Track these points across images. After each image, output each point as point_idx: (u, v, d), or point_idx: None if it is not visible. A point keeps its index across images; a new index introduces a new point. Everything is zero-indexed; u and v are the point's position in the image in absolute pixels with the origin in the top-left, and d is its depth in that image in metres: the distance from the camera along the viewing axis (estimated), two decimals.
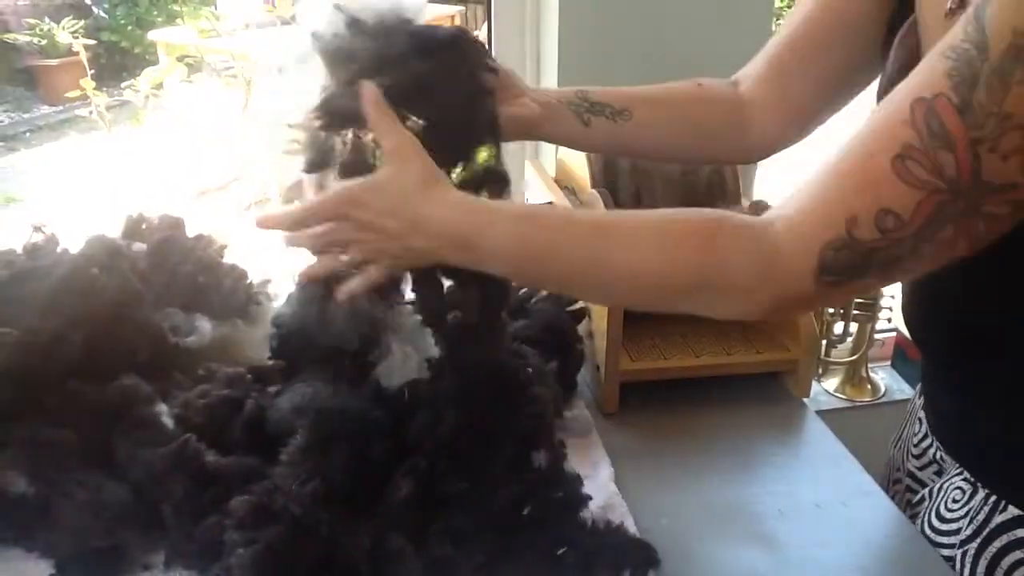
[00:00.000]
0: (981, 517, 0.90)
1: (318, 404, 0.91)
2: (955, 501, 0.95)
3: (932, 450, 1.03)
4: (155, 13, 6.14)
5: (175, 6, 2.37)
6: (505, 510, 0.86)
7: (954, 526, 0.94)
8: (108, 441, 0.90)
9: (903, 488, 1.08)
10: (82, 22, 5.25)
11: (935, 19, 0.80)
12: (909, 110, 0.63)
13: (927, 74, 0.63)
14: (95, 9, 6.51)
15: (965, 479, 0.94)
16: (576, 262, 0.75)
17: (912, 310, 0.96)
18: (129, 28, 6.43)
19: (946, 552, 0.93)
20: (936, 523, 0.96)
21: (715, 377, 1.16)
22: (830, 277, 0.67)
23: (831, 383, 1.87)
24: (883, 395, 1.86)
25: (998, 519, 0.89)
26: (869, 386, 1.86)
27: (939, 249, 0.65)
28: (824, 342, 1.78)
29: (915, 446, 1.07)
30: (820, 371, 1.86)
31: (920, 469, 1.06)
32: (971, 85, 0.60)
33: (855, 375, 1.85)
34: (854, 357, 1.82)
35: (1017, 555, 0.86)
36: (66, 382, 0.91)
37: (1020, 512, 0.87)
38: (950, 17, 0.76)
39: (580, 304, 1.14)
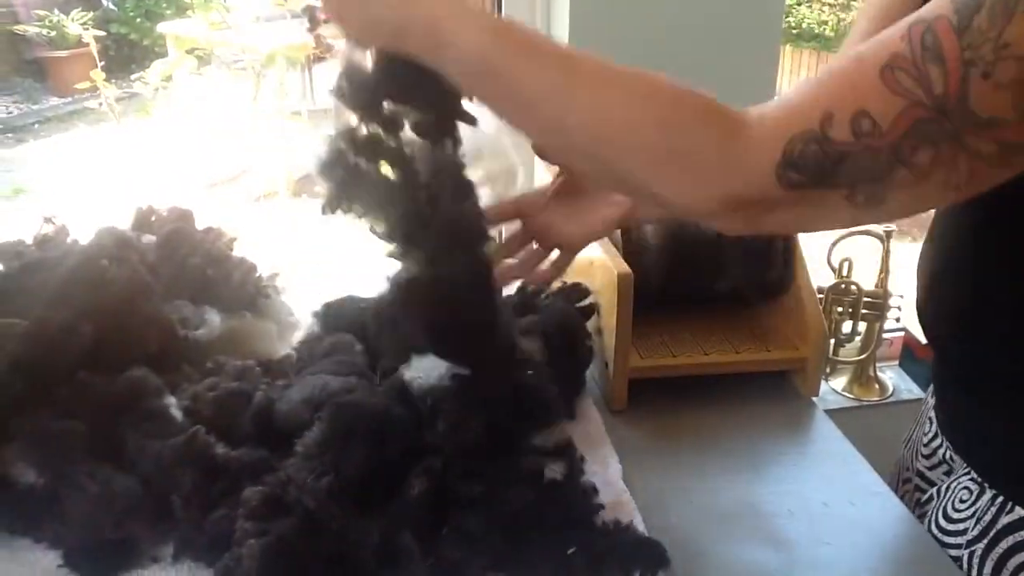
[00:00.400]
0: (988, 518, 0.90)
1: (338, 397, 0.91)
2: (962, 501, 0.95)
3: (942, 450, 1.03)
4: (164, 5, 6.15)
5: None
6: (516, 514, 0.86)
7: (961, 526, 0.94)
8: (117, 433, 0.90)
9: (912, 488, 1.08)
10: (91, 14, 5.26)
11: None
12: (907, 28, 0.61)
13: (933, 2, 0.61)
14: (104, 1, 6.52)
15: (972, 479, 0.94)
16: (539, 84, 0.69)
17: (925, 308, 0.96)
18: (138, 20, 6.44)
19: (953, 552, 0.93)
20: (943, 523, 0.96)
21: (724, 375, 1.16)
22: (793, 173, 0.63)
23: (839, 382, 1.86)
24: (891, 395, 1.85)
25: (1004, 520, 0.89)
26: (877, 385, 1.85)
27: (916, 180, 0.61)
28: (832, 341, 1.78)
29: (925, 446, 1.07)
30: (828, 370, 1.86)
31: (930, 469, 1.05)
32: (974, 9, 0.58)
33: (863, 374, 1.85)
34: (862, 356, 1.82)
35: (1023, 556, 0.86)
36: (75, 374, 0.91)
37: None
38: None
39: (589, 300, 1.14)
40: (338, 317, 1.11)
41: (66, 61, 5.34)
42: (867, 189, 0.63)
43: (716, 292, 1.17)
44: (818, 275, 1.59)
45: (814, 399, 1.17)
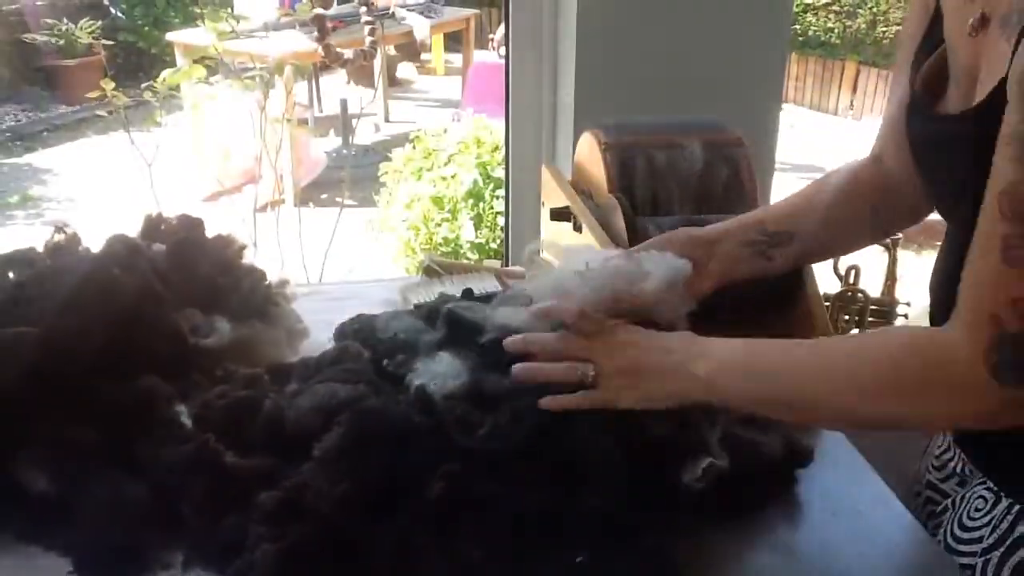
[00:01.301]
0: (1004, 526, 0.90)
1: (356, 404, 0.91)
2: (978, 510, 0.95)
3: (953, 463, 1.03)
4: (172, 14, 6.19)
5: (194, 8, 2.38)
6: (531, 517, 0.86)
7: (976, 535, 0.93)
8: (128, 441, 0.90)
9: (923, 500, 1.08)
10: (99, 22, 5.30)
11: (959, 38, 0.83)
12: (997, 205, 0.68)
13: (1000, 166, 0.69)
14: (112, 10, 6.56)
15: (988, 488, 0.94)
16: (791, 400, 0.84)
17: (938, 318, 0.96)
18: (146, 29, 6.48)
19: (967, 560, 0.93)
20: (959, 532, 0.96)
21: None
22: (1012, 375, 0.70)
23: None
24: None
25: (1022, 528, 0.89)
26: None
27: None
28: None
29: (936, 458, 1.07)
30: None
31: (942, 481, 1.06)
32: None
33: None
34: None
35: None
36: (87, 381, 0.92)
37: None
38: (973, 36, 0.80)
39: None
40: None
41: (75, 70, 5.38)
42: None
43: (725, 301, 1.17)
44: (825, 283, 1.59)
45: None
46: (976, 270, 0.71)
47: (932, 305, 0.97)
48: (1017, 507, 0.90)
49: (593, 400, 0.87)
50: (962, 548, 0.95)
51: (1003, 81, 0.73)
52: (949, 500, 1.02)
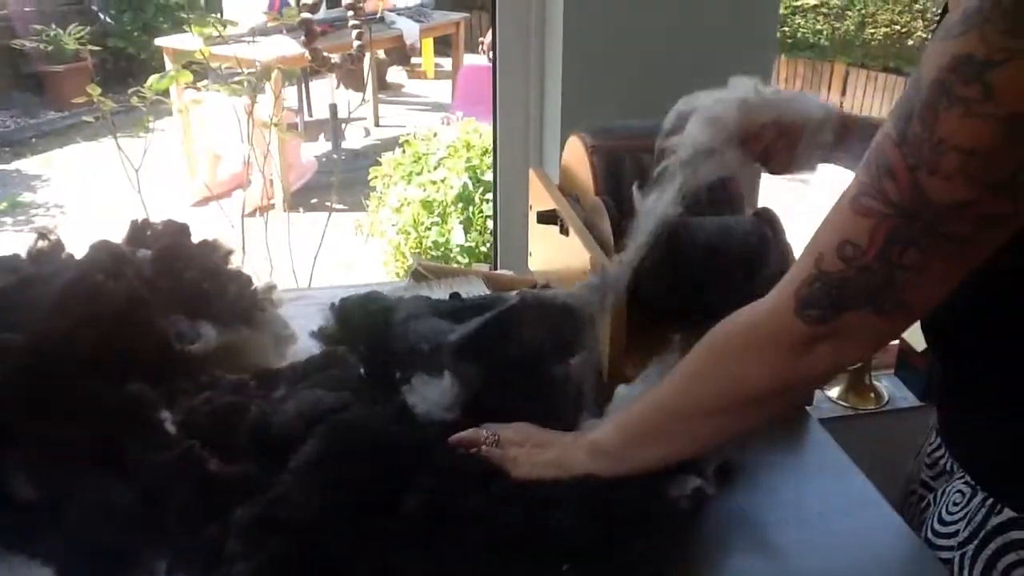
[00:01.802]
0: (979, 519, 0.92)
1: (334, 415, 0.91)
2: (955, 504, 0.96)
3: (944, 460, 1.04)
4: (161, 19, 6.18)
5: (181, 13, 2.37)
6: (514, 528, 0.86)
7: (953, 528, 0.95)
8: (113, 447, 0.90)
9: (917, 498, 1.09)
10: (88, 28, 5.28)
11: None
12: (870, 155, 0.71)
13: (888, 120, 0.71)
14: (101, 15, 6.54)
15: (966, 482, 0.95)
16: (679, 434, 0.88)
17: (927, 316, 0.96)
18: (135, 34, 6.47)
19: (945, 555, 0.94)
20: (937, 527, 0.98)
21: None
22: (813, 311, 0.74)
23: (834, 391, 1.87)
24: (887, 403, 1.86)
25: (994, 521, 0.90)
26: (872, 394, 1.86)
27: (918, 275, 0.70)
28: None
29: (928, 455, 1.08)
30: None
31: (933, 478, 1.06)
32: (907, 118, 0.68)
33: (858, 383, 1.85)
34: (857, 365, 1.82)
35: (1012, 557, 0.87)
36: (72, 388, 0.91)
37: (1016, 514, 0.88)
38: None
39: None
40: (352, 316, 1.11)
41: (63, 75, 5.36)
42: (884, 300, 0.71)
43: (710, 303, 1.17)
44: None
45: (808, 408, 1.17)
46: (827, 215, 0.74)
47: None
48: (991, 500, 0.91)
49: (491, 455, 0.92)
50: (940, 542, 0.96)
51: None
52: (932, 495, 1.03)
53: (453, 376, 0.97)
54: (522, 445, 0.92)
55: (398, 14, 5.73)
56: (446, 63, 7.05)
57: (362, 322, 1.10)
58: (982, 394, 0.93)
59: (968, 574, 0.91)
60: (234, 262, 1.21)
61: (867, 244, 0.70)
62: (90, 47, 2.65)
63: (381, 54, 6.93)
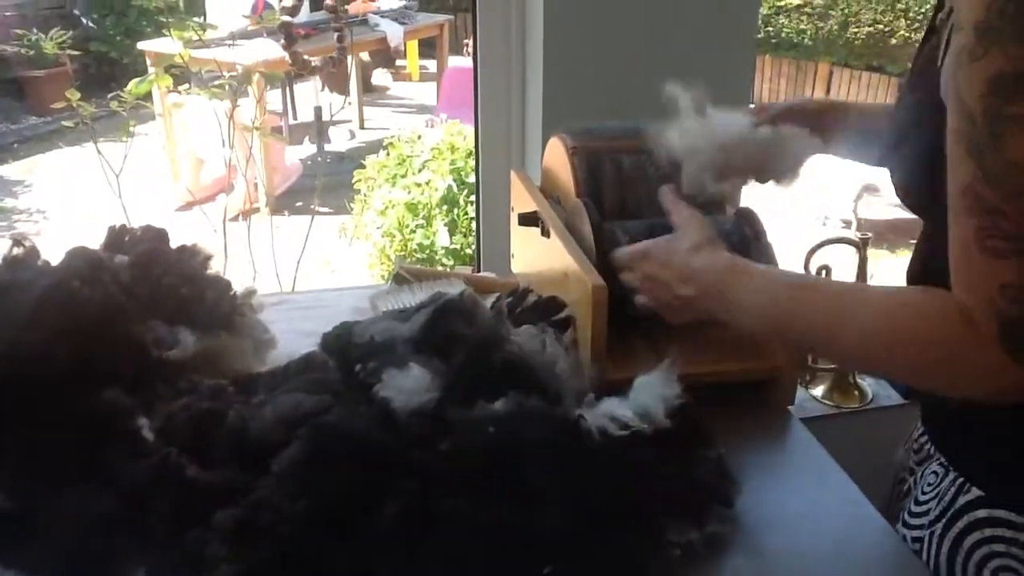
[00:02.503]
0: (948, 498, 0.93)
1: (315, 418, 0.91)
2: (929, 485, 0.98)
3: (927, 444, 1.05)
4: (144, 23, 6.15)
5: (162, 17, 2.36)
6: (496, 530, 0.85)
7: (925, 508, 0.96)
8: (91, 455, 0.89)
9: (906, 488, 1.10)
10: (70, 33, 5.25)
11: (942, 30, 0.84)
12: (963, 199, 0.71)
13: (953, 165, 0.72)
14: (84, 20, 6.51)
15: (940, 464, 0.97)
16: (814, 327, 0.88)
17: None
18: (118, 38, 6.44)
19: (917, 533, 0.96)
20: (913, 507, 0.99)
21: (701, 386, 1.15)
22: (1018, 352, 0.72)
23: (818, 390, 1.87)
24: (871, 401, 1.86)
25: (962, 500, 0.91)
26: (856, 392, 1.86)
27: None
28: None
29: (915, 441, 1.09)
30: (807, 377, 1.86)
31: (917, 464, 1.08)
32: (981, 154, 0.69)
33: (843, 381, 1.85)
34: None
35: (977, 535, 0.89)
36: (47, 396, 0.91)
37: (981, 493, 0.90)
38: (943, 23, 0.83)
39: (565, 313, 1.14)
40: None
41: (44, 80, 5.33)
42: None
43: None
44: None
45: (791, 408, 1.17)
46: (964, 265, 0.73)
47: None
48: (960, 480, 0.92)
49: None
50: (914, 522, 0.98)
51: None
52: (912, 479, 1.05)
53: (420, 364, 0.97)
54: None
55: (382, 16, 5.72)
56: (431, 65, 7.05)
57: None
58: None
59: (936, 552, 0.92)
60: (214, 267, 1.20)
61: (1020, 279, 0.70)
62: (72, 52, 2.63)
63: (365, 56, 6.92)
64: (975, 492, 0.90)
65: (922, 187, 0.87)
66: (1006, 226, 0.69)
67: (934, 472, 0.97)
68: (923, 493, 0.98)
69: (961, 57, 0.69)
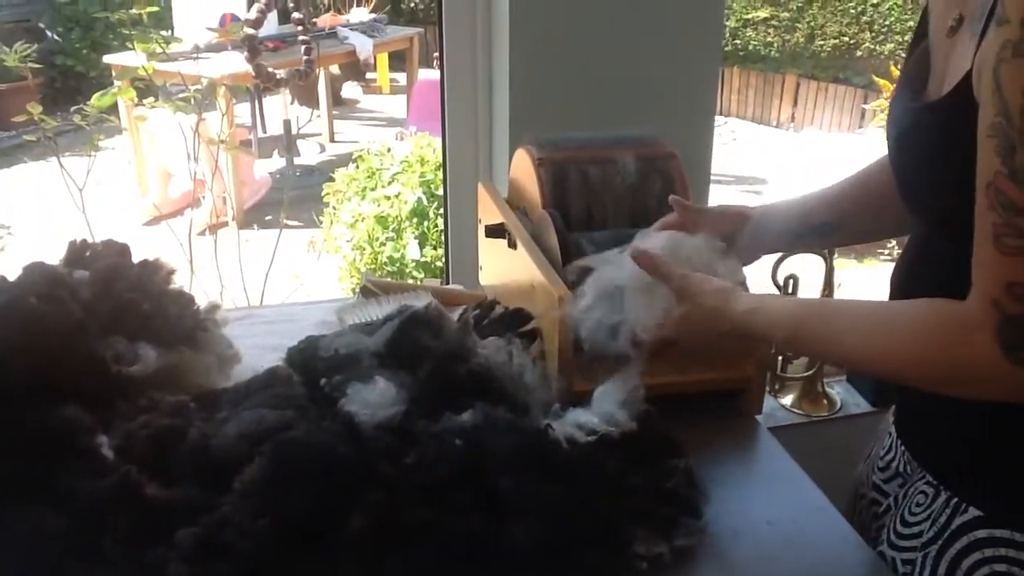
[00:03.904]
0: (943, 519, 0.92)
1: (279, 434, 0.89)
2: (918, 505, 0.96)
3: (896, 463, 1.05)
4: (111, 37, 6.10)
5: (126, 30, 2.33)
6: (466, 541, 0.85)
7: (916, 529, 0.95)
8: (47, 473, 0.87)
9: (868, 502, 1.09)
10: (35, 46, 5.19)
11: (939, 36, 0.86)
12: (985, 195, 0.71)
13: (983, 159, 0.72)
14: (49, 33, 6.44)
15: (928, 483, 0.96)
16: (828, 348, 0.93)
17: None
18: (84, 52, 6.38)
19: (908, 555, 0.94)
20: (900, 528, 0.98)
21: (668, 396, 1.15)
22: (1020, 353, 0.72)
23: (787, 398, 1.88)
24: (839, 409, 1.87)
25: (959, 520, 0.90)
26: (825, 401, 1.87)
27: None
28: (780, 358, 1.79)
29: (880, 459, 1.08)
30: (776, 387, 1.87)
31: (885, 482, 1.07)
32: (1011, 152, 0.68)
33: (811, 390, 1.86)
34: (810, 372, 1.83)
35: (977, 555, 0.88)
36: (3, 413, 0.89)
37: (980, 513, 0.89)
38: (951, 36, 0.83)
39: (531, 325, 1.14)
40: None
41: (7, 94, 5.25)
42: None
43: None
44: (764, 292, 1.60)
45: (758, 417, 1.17)
46: (978, 259, 0.74)
47: (891, 295, 0.99)
48: (955, 500, 0.91)
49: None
50: (903, 544, 0.96)
51: (968, 75, 0.76)
52: (891, 499, 1.04)
53: (385, 377, 0.97)
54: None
55: (351, 29, 5.71)
56: (402, 78, 7.04)
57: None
58: (939, 397, 0.91)
59: (931, 573, 0.91)
60: (177, 282, 1.18)
61: None
62: (36, 65, 2.60)
63: (335, 69, 6.90)
64: (973, 512, 0.89)
65: (917, 186, 0.89)
66: (1022, 225, 0.69)
67: (923, 492, 0.96)
68: (911, 514, 0.97)
69: (1005, 52, 0.68)
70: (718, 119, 6.05)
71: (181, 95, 2.32)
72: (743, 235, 1.12)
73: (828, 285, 1.78)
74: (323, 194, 3.72)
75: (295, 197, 3.48)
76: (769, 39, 6.98)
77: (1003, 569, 0.86)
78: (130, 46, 2.37)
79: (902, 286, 0.97)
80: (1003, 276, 0.72)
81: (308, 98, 6.24)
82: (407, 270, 3.33)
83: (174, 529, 0.81)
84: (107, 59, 4.93)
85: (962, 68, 0.78)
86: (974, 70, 0.75)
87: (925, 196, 0.88)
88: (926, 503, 0.95)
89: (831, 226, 1.12)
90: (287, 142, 5.53)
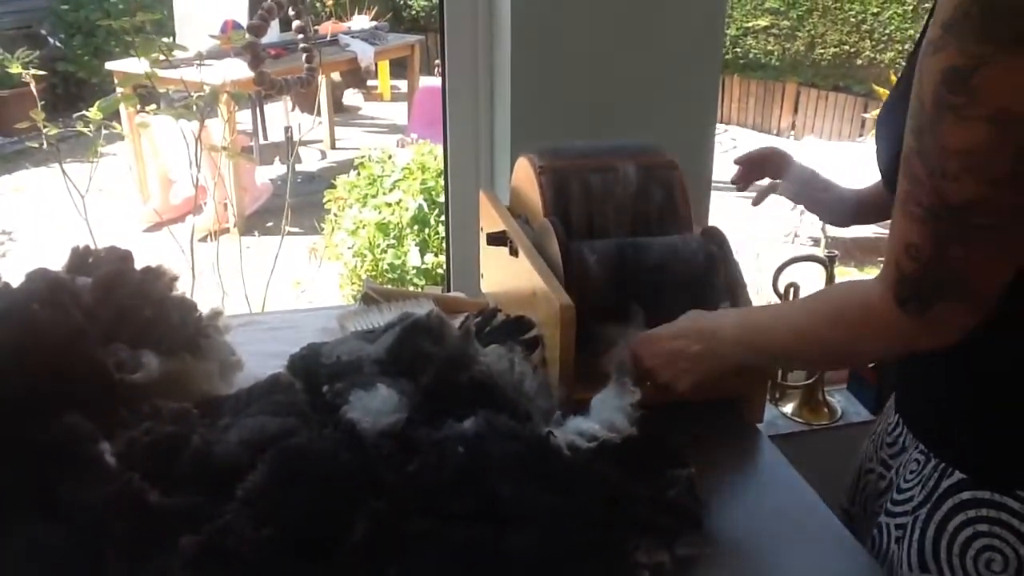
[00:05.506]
0: (931, 483, 0.97)
1: (281, 441, 0.89)
2: (911, 472, 1.01)
3: (902, 438, 1.08)
4: (113, 43, 6.11)
5: (128, 37, 2.34)
6: (464, 550, 0.85)
7: (908, 495, 1.00)
8: (49, 482, 0.87)
9: (875, 476, 1.13)
10: (37, 52, 5.20)
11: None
12: (902, 165, 0.80)
13: (906, 135, 0.80)
14: (51, 40, 6.45)
15: (921, 451, 1.00)
16: (777, 353, 1.05)
17: None
18: (86, 58, 6.39)
19: (901, 520, 0.99)
20: (896, 496, 1.02)
21: (669, 404, 1.15)
22: (910, 306, 0.81)
23: (788, 407, 1.88)
24: (840, 418, 1.87)
25: (946, 483, 0.95)
26: (826, 409, 1.87)
27: (970, 265, 0.78)
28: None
29: (888, 435, 1.12)
30: (777, 395, 1.87)
31: (891, 457, 1.10)
32: (920, 132, 0.77)
33: (812, 399, 1.86)
34: (810, 381, 1.84)
35: (962, 517, 0.92)
36: (3, 421, 0.89)
37: (964, 476, 0.93)
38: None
39: (533, 333, 1.14)
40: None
41: (9, 100, 5.28)
42: (956, 290, 0.79)
43: (659, 322, 1.17)
44: (765, 300, 1.61)
45: (760, 426, 1.17)
46: (891, 223, 0.83)
47: None
48: (942, 465, 0.96)
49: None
50: (897, 510, 1.01)
51: None
52: (893, 472, 1.08)
53: (387, 385, 0.97)
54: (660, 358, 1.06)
55: (352, 37, 5.72)
56: (403, 85, 7.05)
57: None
58: (930, 367, 0.98)
59: (921, 536, 0.95)
60: (179, 288, 1.18)
61: (922, 243, 0.79)
62: (38, 72, 2.61)
63: (336, 77, 6.91)
64: (958, 475, 0.94)
65: (894, 169, 0.94)
66: (922, 196, 0.78)
67: (915, 460, 1.01)
68: (905, 481, 1.02)
69: (927, 48, 0.76)
70: (719, 127, 6.05)
71: (183, 102, 2.33)
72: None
73: None
74: (324, 201, 3.72)
75: (296, 204, 3.48)
76: (769, 47, 6.99)
77: (985, 528, 0.91)
78: (132, 53, 2.37)
79: None
80: (903, 237, 0.80)
81: (309, 105, 6.25)
82: (408, 277, 3.33)
83: (176, 536, 0.81)
84: (109, 66, 4.95)
85: None
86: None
87: (892, 171, 0.95)
88: (918, 470, 1.00)
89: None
90: (288, 149, 5.54)
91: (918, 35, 1.00)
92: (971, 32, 0.72)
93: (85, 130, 2.31)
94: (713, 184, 1.80)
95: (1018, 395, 0.91)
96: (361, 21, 6.21)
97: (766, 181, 1.43)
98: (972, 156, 0.74)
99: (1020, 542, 0.90)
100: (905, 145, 0.80)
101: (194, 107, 2.25)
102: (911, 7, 6.42)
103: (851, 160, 4.32)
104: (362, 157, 3.69)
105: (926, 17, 0.99)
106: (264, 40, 2.34)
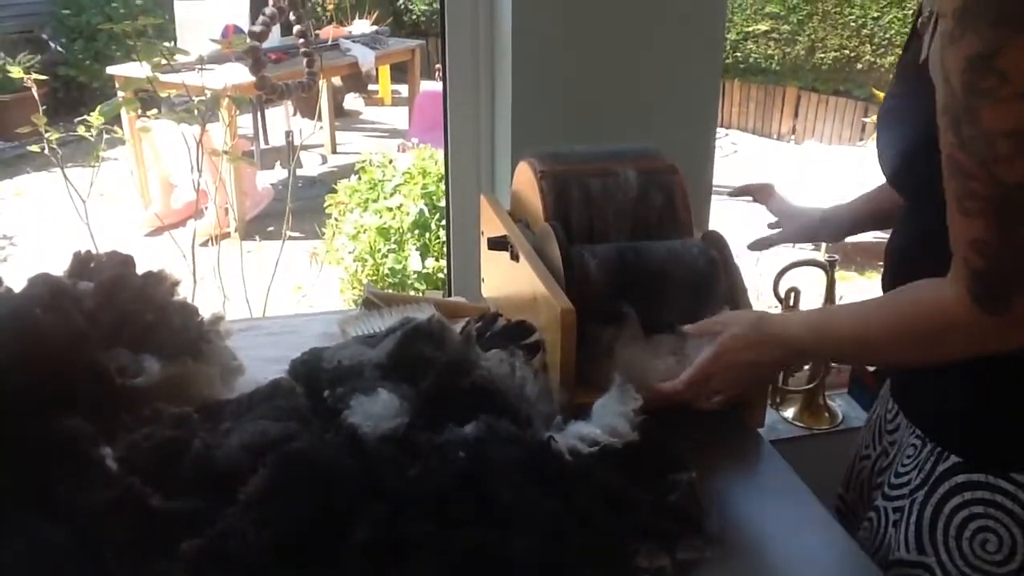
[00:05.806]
0: (928, 467, 0.99)
1: (283, 445, 0.90)
2: (908, 457, 1.03)
3: (902, 424, 1.09)
4: (114, 48, 6.12)
5: (129, 41, 2.35)
6: (466, 554, 0.85)
7: (906, 479, 1.02)
8: (50, 485, 0.87)
9: (872, 461, 1.15)
10: (38, 57, 5.22)
11: (923, 32, 0.94)
12: (946, 167, 0.81)
13: (942, 133, 0.80)
14: (52, 44, 6.46)
15: (917, 436, 1.03)
16: (850, 352, 1.08)
17: (889, 280, 1.04)
18: (87, 63, 6.40)
19: (899, 503, 1.02)
20: (893, 480, 1.05)
21: (671, 408, 1.15)
22: (987, 303, 0.80)
23: (789, 411, 1.88)
24: (841, 423, 1.87)
25: (942, 467, 0.97)
26: (827, 414, 1.87)
27: None
28: (781, 371, 1.79)
29: (889, 422, 1.13)
30: (778, 400, 1.87)
31: (892, 444, 1.12)
32: (958, 124, 0.78)
33: (812, 403, 1.86)
34: (811, 385, 1.83)
35: (958, 499, 0.95)
36: (5, 424, 0.89)
37: (959, 459, 0.96)
38: (923, 31, 0.92)
39: (534, 338, 1.14)
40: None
41: (11, 105, 5.28)
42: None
43: (660, 327, 1.17)
44: (765, 305, 1.61)
45: (760, 430, 1.17)
46: (950, 226, 0.82)
47: (885, 270, 1.06)
48: (938, 449, 0.98)
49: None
50: (895, 493, 1.03)
51: (925, 61, 0.87)
52: (891, 457, 1.10)
53: (388, 389, 0.97)
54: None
55: (353, 41, 5.73)
56: (404, 89, 7.06)
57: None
58: None
59: (918, 518, 0.98)
60: (181, 293, 1.19)
61: (987, 236, 0.78)
62: (39, 76, 2.62)
63: (337, 81, 6.92)
64: (953, 459, 0.96)
65: (903, 169, 0.97)
66: (977, 188, 0.77)
67: (912, 445, 1.03)
68: (903, 466, 1.03)
69: (944, 40, 0.77)
70: (719, 131, 6.06)
71: (184, 106, 2.33)
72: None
73: (830, 298, 1.78)
74: (325, 205, 3.72)
75: (297, 208, 3.48)
76: (770, 52, 6.99)
77: (980, 511, 0.94)
78: (134, 57, 2.38)
79: (892, 255, 1.05)
80: (967, 235, 0.80)
81: (310, 109, 6.26)
82: (409, 282, 3.34)
83: (178, 540, 0.81)
84: (110, 70, 4.95)
85: (923, 56, 0.89)
86: (929, 58, 0.86)
87: (904, 174, 0.97)
88: (914, 454, 1.02)
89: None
90: (289, 153, 5.55)
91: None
92: (986, 17, 0.73)
93: (86, 134, 2.31)
94: (713, 188, 1.81)
95: (1011, 379, 0.93)
96: (362, 25, 6.23)
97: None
98: (1019, 134, 0.74)
99: (1015, 523, 0.92)
100: (944, 145, 0.80)
101: (195, 111, 2.25)
102: (911, 11, 6.43)
103: (852, 164, 4.32)
104: (363, 161, 3.70)
105: (913, 16, 1.01)
106: (265, 44, 2.34)
